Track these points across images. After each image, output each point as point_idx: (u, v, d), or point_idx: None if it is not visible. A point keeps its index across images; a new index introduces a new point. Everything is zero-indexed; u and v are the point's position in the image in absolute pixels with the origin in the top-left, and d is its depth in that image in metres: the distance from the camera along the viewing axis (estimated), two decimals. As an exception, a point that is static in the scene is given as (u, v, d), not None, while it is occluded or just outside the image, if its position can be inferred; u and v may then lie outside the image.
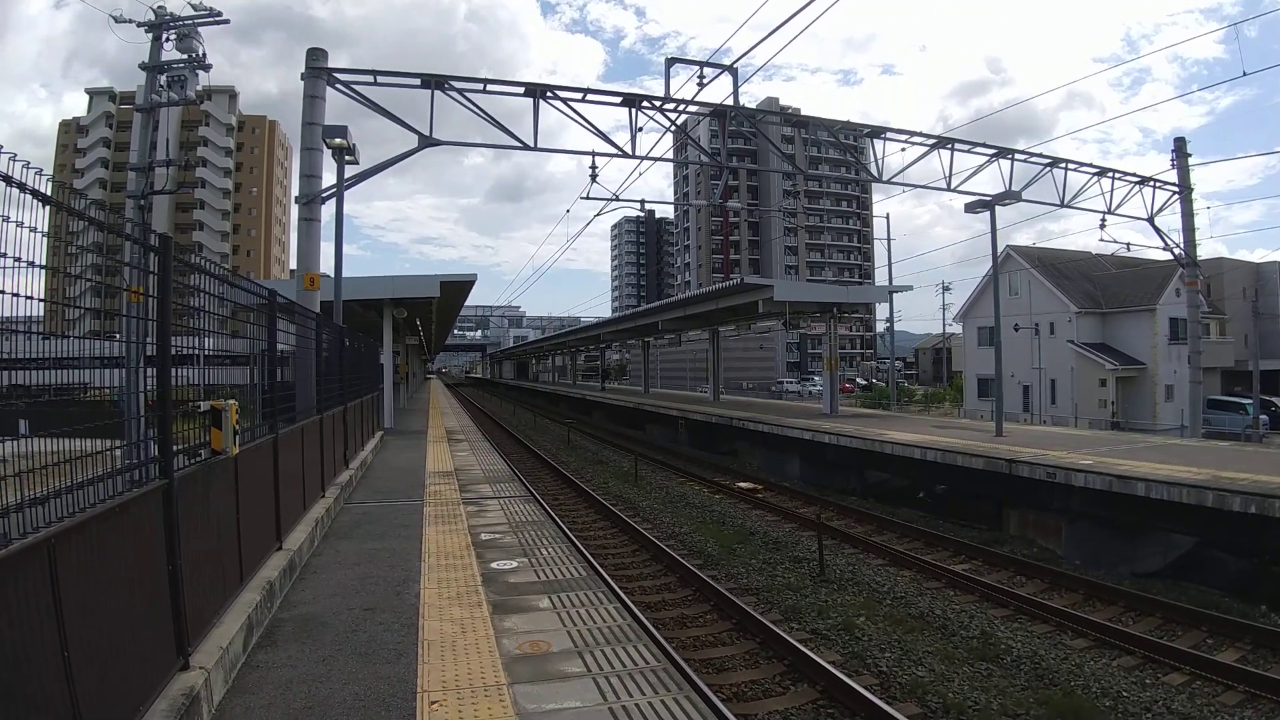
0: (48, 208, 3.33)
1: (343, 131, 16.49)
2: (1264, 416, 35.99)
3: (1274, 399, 41.80)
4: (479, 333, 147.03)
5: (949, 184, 22.06)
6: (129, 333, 4.82)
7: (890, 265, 44.44)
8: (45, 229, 3.29)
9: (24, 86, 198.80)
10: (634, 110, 19.07)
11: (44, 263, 3.30)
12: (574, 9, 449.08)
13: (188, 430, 5.18)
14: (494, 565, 8.18)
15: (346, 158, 17.04)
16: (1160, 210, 25.64)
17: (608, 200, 22.73)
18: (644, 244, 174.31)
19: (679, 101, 19.37)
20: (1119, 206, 24.97)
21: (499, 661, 5.45)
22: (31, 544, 3.13)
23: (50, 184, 3.32)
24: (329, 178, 17.36)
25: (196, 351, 5.63)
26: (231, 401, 5.52)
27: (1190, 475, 13.11)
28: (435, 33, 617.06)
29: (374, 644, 5.81)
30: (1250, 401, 36.54)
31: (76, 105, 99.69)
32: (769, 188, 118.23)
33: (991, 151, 22.61)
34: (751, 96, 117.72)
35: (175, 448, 4.71)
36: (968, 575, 12.59)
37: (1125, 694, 8.18)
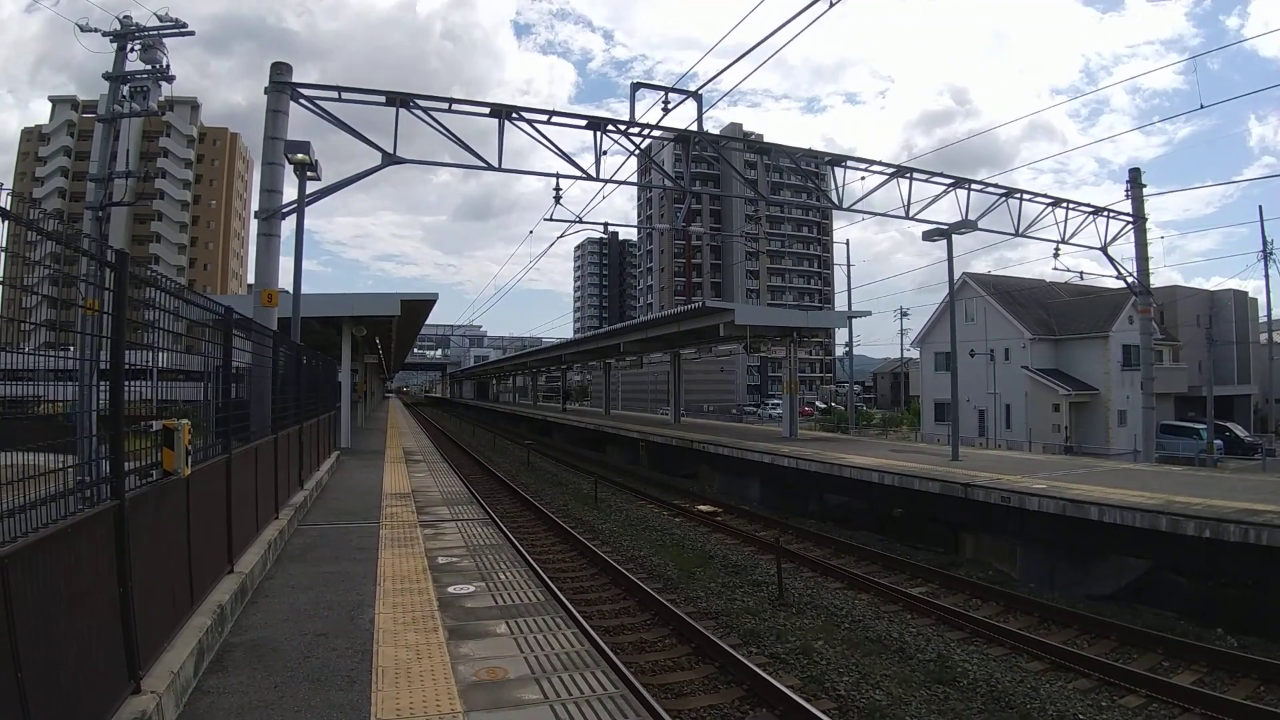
0: (4, 221, 3.26)
1: (305, 147, 16.34)
2: (1218, 441, 36.71)
3: (1227, 424, 42.70)
4: (439, 352, 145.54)
5: (908, 212, 22.38)
6: (83, 350, 4.72)
7: (850, 291, 44.94)
8: (2, 242, 3.23)
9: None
10: (599, 133, 19.16)
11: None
12: (548, 30, 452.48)
13: (140, 449, 5.08)
14: (451, 590, 8.08)
15: (308, 173, 16.89)
16: (1114, 239, 26.20)
17: (571, 222, 22.78)
18: (607, 266, 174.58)
19: (643, 126, 19.50)
20: (1073, 236, 25.49)
21: (455, 689, 5.37)
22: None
23: (11, 198, 3.26)
24: (290, 193, 17.24)
25: (150, 366, 5.53)
26: (184, 421, 5.42)
27: (1144, 500, 13.33)
28: (409, 49, 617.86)
29: (327, 670, 5.70)
30: (1204, 427, 37.28)
31: (44, 111, 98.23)
32: (731, 212, 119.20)
33: (949, 181, 22.99)
34: (716, 122, 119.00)
35: (127, 467, 4.62)
36: (925, 598, 12.69)
37: (1081, 717, 8.27)
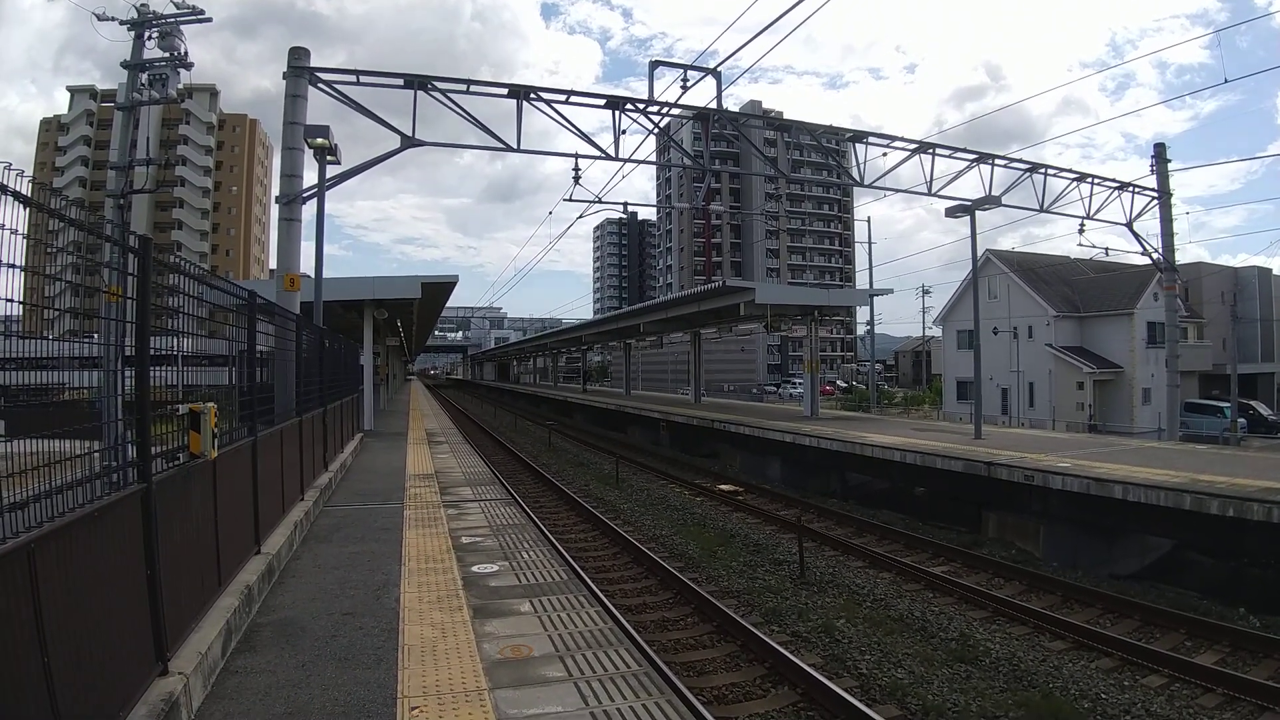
0: (27, 208, 3.29)
1: (324, 131, 16.37)
2: (1241, 420, 36.32)
3: (1251, 402, 42.23)
4: (460, 334, 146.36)
5: (930, 188, 22.19)
6: (107, 334, 4.77)
7: (871, 268, 44.57)
8: (24, 229, 3.25)
9: (15, 81, 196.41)
10: (617, 112, 19.05)
11: (22, 263, 3.26)
12: (572, 8, 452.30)
13: (166, 433, 5.13)
14: (475, 569, 8.15)
15: (328, 157, 16.93)
16: (1139, 215, 25.89)
17: (590, 202, 22.75)
18: (626, 246, 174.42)
19: (662, 104, 19.38)
20: (1098, 211, 25.18)
21: (480, 666, 5.43)
22: (12, 548, 3.10)
23: (30, 185, 3.29)
24: (310, 177, 17.27)
25: (175, 353, 5.58)
26: (210, 404, 5.47)
27: (1168, 478, 13.21)
28: (438, 31, 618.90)
29: (353, 649, 5.77)
30: (1228, 405, 36.91)
31: (67, 100, 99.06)
32: (751, 191, 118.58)
33: (972, 156, 22.74)
34: (736, 99, 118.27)
35: (153, 451, 4.67)
36: (947, 577, 12.65)
37: (1104, 696, 8.24)
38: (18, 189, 3.20)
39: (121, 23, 18.13)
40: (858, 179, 22.02)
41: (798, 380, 71.78)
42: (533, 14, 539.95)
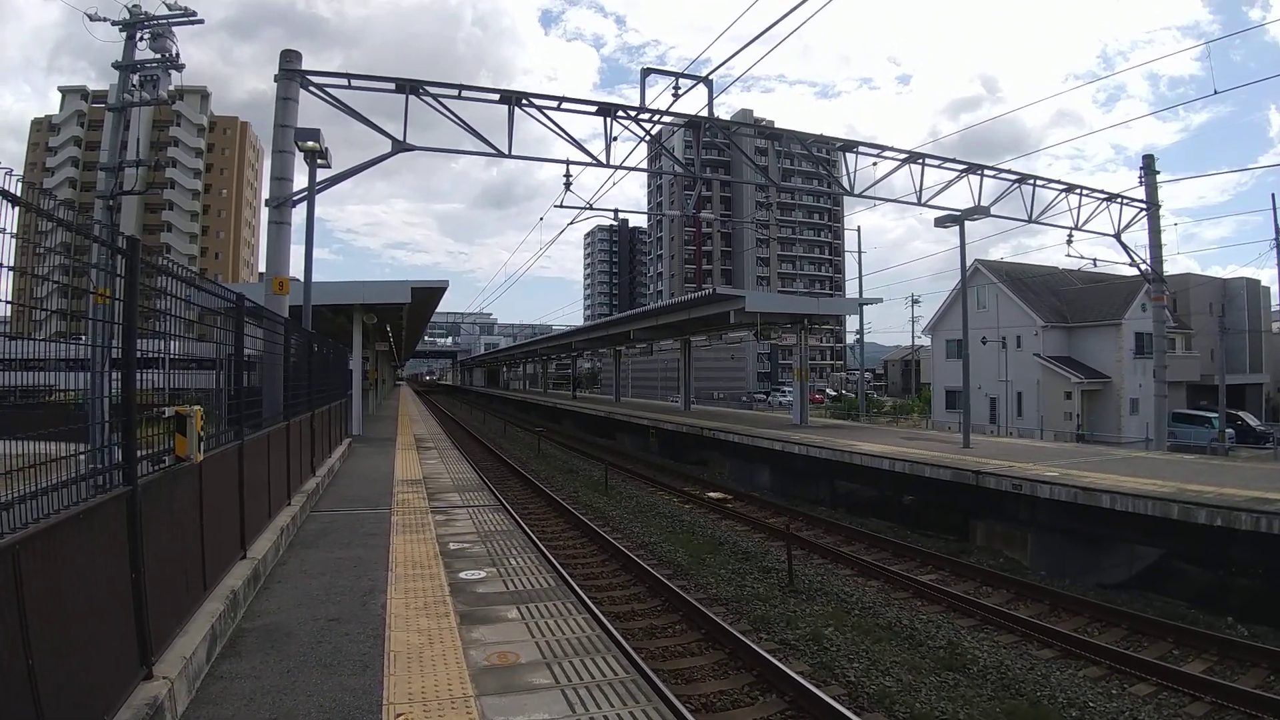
0: (16, 208, 3.27)
1: (315, 135, 16.38)
2: (1229, 430, 36.51)
3: (1239, 413, 42.48)
4: (450, 339, 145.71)
5: (919, 198, 22.27)
6: (94, 336, 4.73)
7: (861, 278, 44.67)
8: (13, 230, 3.23)
9: (10, 80, 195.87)
10: (609, 119, 19.09)
11: (11, 264, 3.24)
12: (570, 13, 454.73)
13: (152, 436, 5.10)
14: (462, 575, 8.11)
15: (319, 161, 16.90)
16: (1128, 226, 26.06)
17: (581, 209, 22.81)
18: (617, 253, 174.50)
19: (654, 112, 19.42)
20: (1087, 222, 25.35)
21: (466, 673, 5.40)
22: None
23: (20, 184, 3.27)
24: (301, 181, 17.24)
25: (163, 355, 5.54)
26: (197, 407, 5.44)
27: (1155, 488, 13.26)
28: (438, 35, 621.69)
29: (339, 655, 5.73)
30: (1215, 415, 37.10)
31: (59, 100, 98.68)
32: (742, 199, 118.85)
33: (962, 167, 22.85)
34: (728, 108, 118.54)
35: (140, 454, 4.64)
36: (935, 585, 12.67)
37: (1091, 704, 8.25)
38: (7, 189, 3.18)
39: (114, 23, 18.08)
40: (848, 188, 22.13)
41: (787, 388, 71.80)
42: (531, 21, 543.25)
